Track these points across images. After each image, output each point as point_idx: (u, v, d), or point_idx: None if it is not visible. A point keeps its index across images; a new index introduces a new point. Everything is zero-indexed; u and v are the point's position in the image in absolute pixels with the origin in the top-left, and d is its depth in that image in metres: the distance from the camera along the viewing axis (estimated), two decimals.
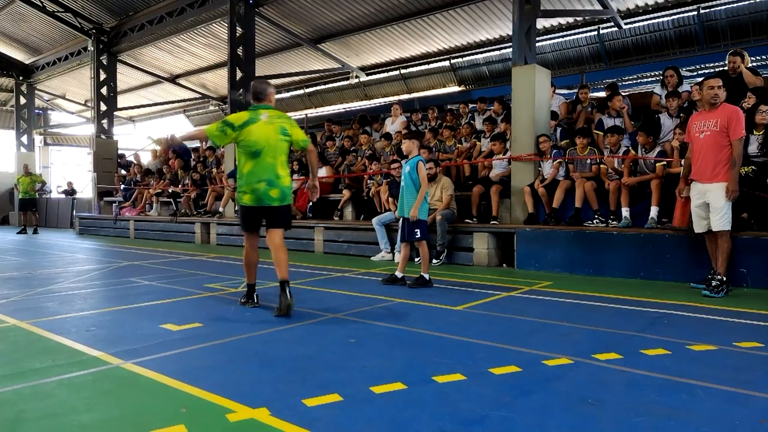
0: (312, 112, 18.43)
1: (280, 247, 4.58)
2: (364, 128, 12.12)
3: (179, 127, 22.76)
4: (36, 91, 21.59)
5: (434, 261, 7.69)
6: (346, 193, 10.28)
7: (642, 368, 3.01)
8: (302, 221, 10.25)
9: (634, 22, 11.71)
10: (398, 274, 5.93)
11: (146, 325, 4.10)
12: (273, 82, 17.11)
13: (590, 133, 7.96)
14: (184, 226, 12.72)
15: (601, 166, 7.43)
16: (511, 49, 8.66)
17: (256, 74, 13.63)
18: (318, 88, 17.95)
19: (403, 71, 15.77)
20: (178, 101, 20.39)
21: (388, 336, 3.65)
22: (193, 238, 12.34)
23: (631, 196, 6.93)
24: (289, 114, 18.69)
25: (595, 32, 12.46)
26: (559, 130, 8.67)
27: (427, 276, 5.75)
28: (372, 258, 8.40)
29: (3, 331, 3.96)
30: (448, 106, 12.31)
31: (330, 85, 17.61)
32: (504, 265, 7.69)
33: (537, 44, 8.87)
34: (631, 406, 2.47)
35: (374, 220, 8.54)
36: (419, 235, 5.78)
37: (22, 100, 21.19)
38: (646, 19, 11.63)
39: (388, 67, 15.72)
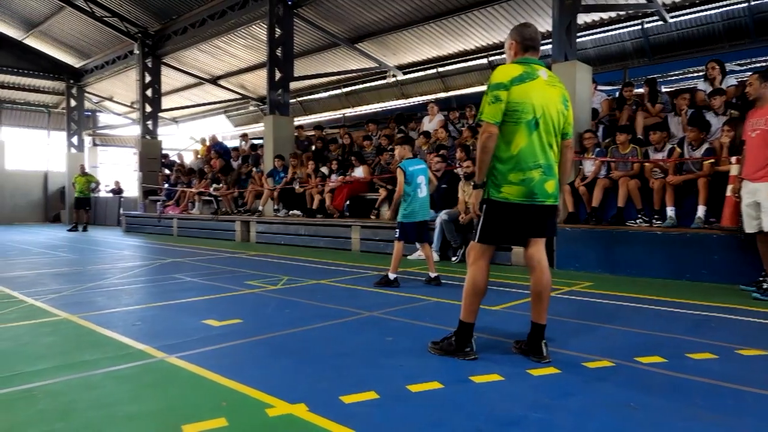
0: (349, 112, 18.54)
1: (547, 270, 3.16)
2: (401, 127, 12.12)
3: (220, 127, 23.27)
4: (85, 94, 22.42)
5: (452, 258, 8.08)
6: (382, 192, 10.30)
7: (687, 372, 2.91)
8: (339, 220, 10.34)
9: (681, 15, 11.31)
10: (431, 274, 5.94)
11: (188, 321, 4.21)
12: (310, 82, 17.44)
13: (631, 129, 7.75)
14: (225, 224, 13.00)
15: (645, 164, 7.23)
16: (550, 46, 8.49)
17: (295, 74, 13.81)
18: (355, 87, 18.03)
19: (440, 69, 15.68)
20: (219, 102, 20.82)
21: (424, 335, 3.64)
22: (233, 236, 12.59)
23: (676, 194, 6.71)
24: (328, 114, 18.80)
25: (639, 26, 12.09)
26: (601, 127, 8.47)
27: (391, 276, 5.75)
28: (408, 257, 8.39)
29: (55, 324, 4.14)
30: None
31: (367, 85, 17.66)
32: None
33: (578, 40, 8.68)
34: (676, 411, 2.40)
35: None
36: (396, 235, 5.87)
37: (73, 103, 22.05)
38: (693, 12, 11.22)
39: (425, 66, 15.66)
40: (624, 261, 6.67)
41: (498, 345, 3.46)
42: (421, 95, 16.70)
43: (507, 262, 7.64)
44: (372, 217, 10.37)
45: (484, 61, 14.50)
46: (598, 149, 7.77)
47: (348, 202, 10.78)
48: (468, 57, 14.67)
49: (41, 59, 20.88)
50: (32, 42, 20.08)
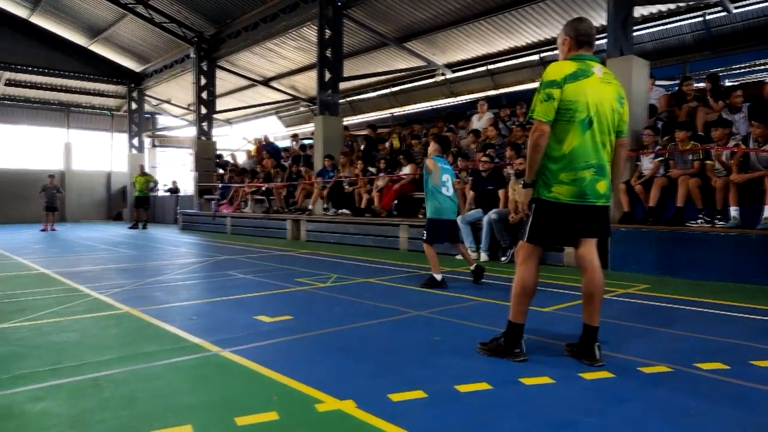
0: (398, 111, 18.57)
1: (600, 271, 3.08)
2: (450, 126, 12.06)
3: (272, 128, 23.76)
4: (145, 97, 23.42)
5: (502, 258, 7.97)
6: None
7: (752, 380, 2.78)
8: (387, 219, 10.38)
9: (745, 5, 10.74)
10: (471, 267, 5.93)
11: (241, 316, 4.34)
12: (359, 82, 17.56)
13: (691, 126, 7.43)
14: (276, 222, 13.28)
15: (707, 162, 6.91)
16: (605, 40, 8.24)
17: (344, 75, 13.95)
18: (404, 86, 18.05)
19: (490, 67, 15.48)
20: (271, 103, 21.27)
21: (473, 335, 3.62)
22: (284, 234, 12.85)
23: (741, 194, 6.39)
24: (376, 114, 18.83)
25: (701, 18, 11.57)
26: (659, 124, 8.16)
27: (438, 277, 5.67)
28: (457, 256, 8.33)
29: (118, 317, 4.36)
30: None
31: (415, 84, 17.65)
32: None
33: (634, 33, 8.39)
34: (738, 421, 2.29)
35: (458, 219, 8.48)
36: (424, 238, 5.85)
37: (134, 106, 23.11)
38: (759, 2, 10.63)
39: (474, 63, 15.51)
40: (683, 263, 6.40)
41: (549, 347, 3.40)
42: (470, 93, 16.54)
43: (559, 263, 7.47)
44: (420, 216, 10.35)
45: (536, 57, 14.23)
46: (658, 147, 7.49)
47: (396, 202, 10.81)
48: (519, 54, 14.42)
49: (105, 65, 21.94)
50: (97, 48, 21.13)
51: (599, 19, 11.80)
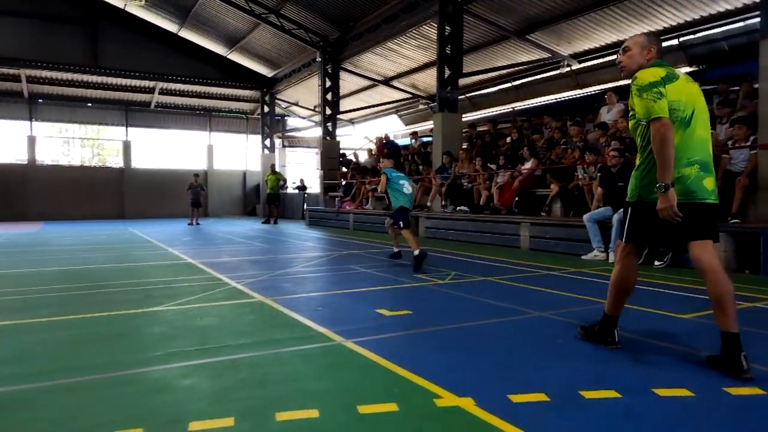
0: (519, 105, 18.03)
1: (722, 271, 2.95)
2: (576, 119, 11.48)
3: (391, 126, 24.23)
4: (276, 100, 25.04)
5: (657, 263, 7.07)
6: (554, 188, 9.88)
7: None
8: (508, 216, 10.14)
9: None
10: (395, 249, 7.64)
11: (363, 309, 4.49)
12: (479, 77, 17.32)
13: None
14: None
15: None
16: (758, 19, 7.34)
17: (464, 71, 13.83)
18: (525, 80, 17.48)
19: None
20: (391, 102, 21.70)
21: None
22: None
23: None
24: (497, 109, 18.35)
25: None
26: None
27: (416, 252, 6.72)
28: (583, 256, 7.94)
29: (252, 305, 4.72)
30: None
31: (538, 77, 17.01)
32: (746, 271, 6.60)
33: None
34: None
35: (585, 217, 8.05)
36: (401, 224, 7.20)
37: (266, 109, 24.87)
38: None
39: (604, 52, 14.59)
40: None
41: (688, 356, 3.13)
42: (599, 84, 15.58)
43: None
44: (542, 213, 10.00)
45: (674, 41, 13.05)
46: None
47: (517, 199, 10.53)
48: None
49: (241, 72, 23.79)
50: (234, 57, 22.97)
51: None
